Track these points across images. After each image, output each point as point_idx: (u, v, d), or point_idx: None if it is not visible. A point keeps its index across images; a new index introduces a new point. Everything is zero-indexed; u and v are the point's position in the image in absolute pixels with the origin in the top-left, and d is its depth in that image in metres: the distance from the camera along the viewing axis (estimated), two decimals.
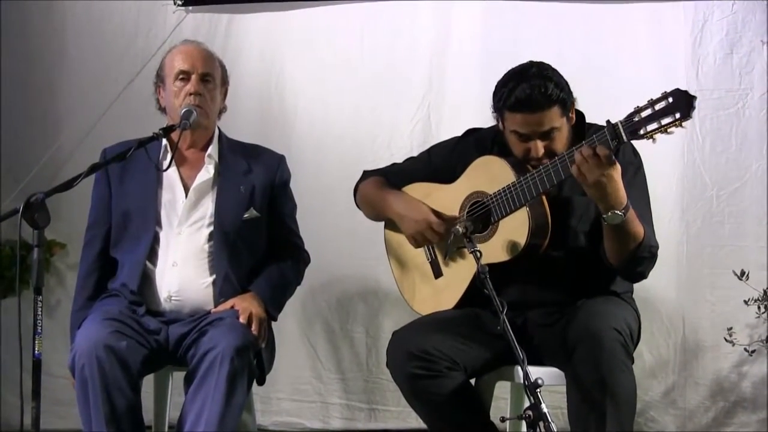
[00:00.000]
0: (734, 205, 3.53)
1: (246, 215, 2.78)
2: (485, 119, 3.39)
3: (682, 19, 3.55)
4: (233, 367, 2.48)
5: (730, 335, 3.39)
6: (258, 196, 2.83)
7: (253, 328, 2.63)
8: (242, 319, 2.62)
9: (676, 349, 3.55)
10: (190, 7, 3.81)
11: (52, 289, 3.71)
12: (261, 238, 2.86)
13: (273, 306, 2.78)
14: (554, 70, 2.56)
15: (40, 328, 2.25)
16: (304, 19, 3.79)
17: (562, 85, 2.53)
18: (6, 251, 3.77)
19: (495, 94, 2.59)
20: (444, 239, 2.63)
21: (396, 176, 2.87)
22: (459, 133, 2.89)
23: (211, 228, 2.75)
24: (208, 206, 2.77)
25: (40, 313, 2.26)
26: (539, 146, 2.52)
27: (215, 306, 2.73)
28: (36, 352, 2.25)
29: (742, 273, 3.36)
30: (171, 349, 2.67)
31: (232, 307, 2.67)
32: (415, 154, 3.17)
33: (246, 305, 2.67)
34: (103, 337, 2.52)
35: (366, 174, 2.93)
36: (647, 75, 3.54)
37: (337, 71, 3.77)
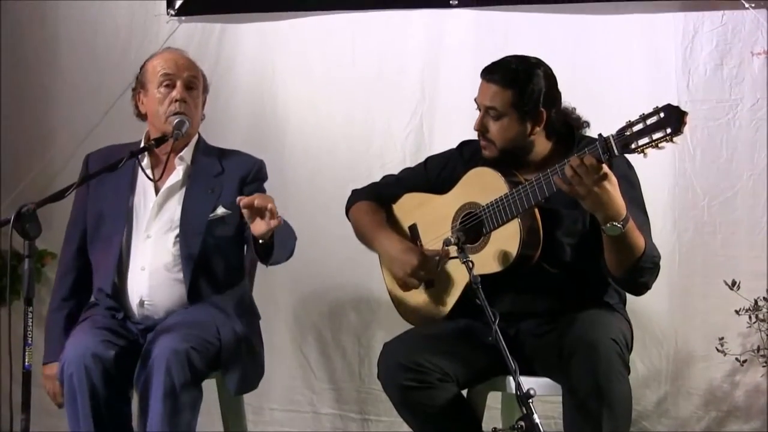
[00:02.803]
0: (726, 215, 3.53)
1: (211, 215, 2.73)
2: None
3: (673, 30, 3.56)
4: (169, 368, 2.44)
5: (722, 345, 3.39)
6: (227, 194, 2.75)
7: (271, 206, 2.46)
8: (257, 201, 2.47)
9: (668, 359, 3.55)
10: (183, 17, 3.82)
11: (42, 300, 3.65)
12: (235, 237, 2.79)
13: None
14: (548, 74, 2.60)
15: (30, 339, 2.24)
16: (296, 28, 3.79)
17: (537, 84, 2.56)
18: None
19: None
20: (429, 272, 2.63)
21: (389, 187, 2.87)
22: (452, 142, 2.90)
23: (178, 231, 2.72)
24: (176, 209, 2.74)
25: (30, 324, 2.25)
26: (481, 117, 2.60)
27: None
28: (26, 363, 2.24)
29: (734, 283, 3.37)
30: None
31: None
32: (408, 163, 3.17)
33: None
34: (91, 346, 2.52)
35: (355, 194, 2.93)
36: (638, 85, 3.55)
37: (329, 81, 3.77)
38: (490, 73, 2.62)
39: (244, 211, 2.49)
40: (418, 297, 2.75)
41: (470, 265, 2.37)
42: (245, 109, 3.78)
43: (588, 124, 2.68)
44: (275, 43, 3.81)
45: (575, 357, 2.36)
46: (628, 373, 2.44)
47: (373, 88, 3.74)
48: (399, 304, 2.82)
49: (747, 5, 3.43)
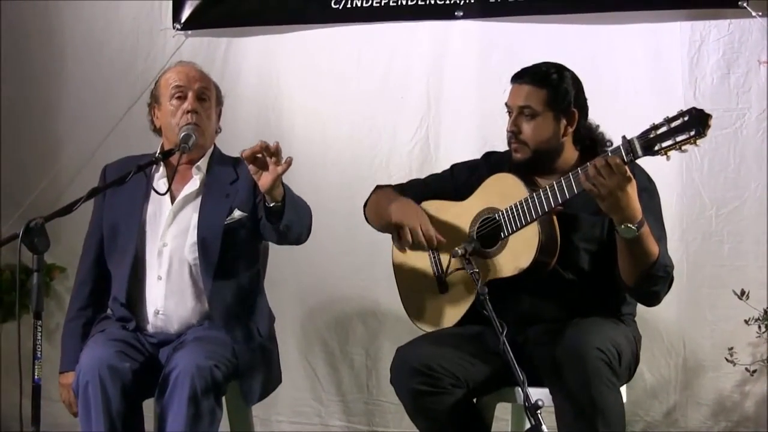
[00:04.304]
0: (733, 225, 3.52)
1: (228, 219, 2.74)
2: (483, 139, 3.47)
3: (679, 40, 3.56)
4: (194, 384, 2.46)
5: (731, 355, 3.38)
6: (242, 199, 2.77)
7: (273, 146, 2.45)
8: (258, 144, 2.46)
9: (677, 369, 3.54)
10: (189, 31, 3.85)
11: (51, 313, 3.72)
12: (253, 242, 2.82)
13: (288, 188, 2.59)
14: (576, 79, 2.67)
15: (39, 352, 2.25)
16: (302, 42, 3.81)
17: (568, 84, 2.63)
18: (6, 276, 3.79)
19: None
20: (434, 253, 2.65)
21: (414, 189, 2.89)
22: (457, 153, 2.93)
23: (195, 238, 2.74)
24: (191, 217, 2.76)
25: (39, 337, 2.26)
26: (514, 120, 2.62)
27: (199, 323, 2.71)
28: (36, 377, 2.25)
29: (743, 292, 3.36)
30: None
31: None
32: (414, 175, 3.18)
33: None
34: (106, 358, 2.54)
35: (378, 188, 2.95)
36: (644, 95, 3.55)
37: (334, 93, 3.79)
38: (521, 76, 2.65)
39: (250, 167, 2.49)
40: (431, 302, 2.76)
41: (476, 276, 2.39)
42: (251, 122, 3.79)
43: (611, 143, 2.68)
44: (281, 56, 3.83)
45: (563, 368, 2.37)
46: (621, 383, 2.45)
47: (379, 100, 3.75)
48: (411, 309, 2.82)
49: (754, 14, 3.44)
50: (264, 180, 2.48)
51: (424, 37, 3.73)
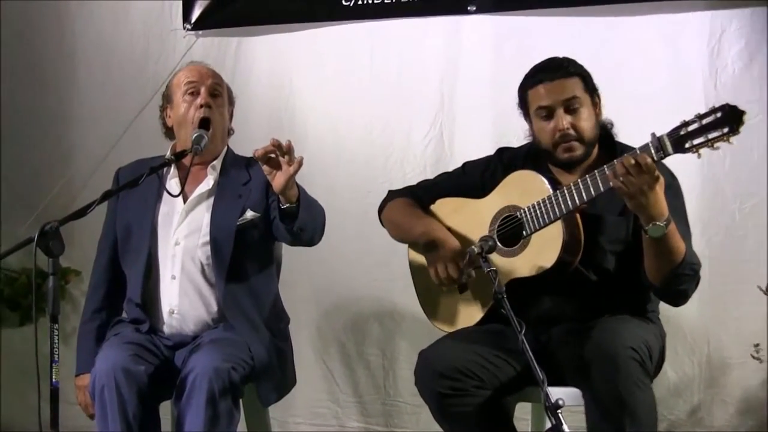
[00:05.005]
0: (756, 219, 3.50)
1: (240, 220, 2.78)
2: (498, 135, 3.47)
3: (698, 30, 3.55)
4: (212, 387, 2.49)
5: (757, 352, 3.36)
6: (255, 200, 2.80)
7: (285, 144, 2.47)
8: (270, 142, 2.48)
9: (701, 366, 3.53)
10: (200, 31, 3.88)
11: (67, 317, 3.74)
12: (266, 243, 2.85)
13: (302, 189, 2.62)
14: (578, 63, 2.66)
15: (57, 356, 2.29)
16: (313, 40, 3.83)
17: (584, 68, 2.63)
18: (22, 279, 3.85)
19: (518, 87, 2.70)
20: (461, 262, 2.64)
21: (425, 190, 2.90)
22: (472, 150, 2.92)
23: (208, 238, 2.78)
24: (204, 215, 2.80)
25: (56, 341, 2.30)
26: (564, 116, 2.58)
27: (215, 326, 2.75)
28: (53, 380, 2.28)
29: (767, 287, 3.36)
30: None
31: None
32: (428, 173, 3.18)
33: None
34: (121, 361, 2.58)
35: (391, 194, 2.95)
36: (663, 88, 3.54)
37: (347, 92, 3.81)
38: (547, 71, 2.63)
39: (264, 168, 2.53)
40: (450, 302, 2.77)
41: (494, 274, 2.38)
42: (263, 122, 3.81)
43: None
44: (292, 55, 3.85)
45: (594, 366, 2.37)
46: (651, 381, 2.45)
47: (392, 98, 3.76)
48: (429, 309, 2.83)
49: None
50: (278, 180, 2.51)
51: (437, 33, 3.74)
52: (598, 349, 2.40)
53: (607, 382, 2.35)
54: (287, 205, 2.57)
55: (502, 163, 2.81)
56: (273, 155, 2.50)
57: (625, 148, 2.61)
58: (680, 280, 2.48)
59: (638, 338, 2.46)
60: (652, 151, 2.33)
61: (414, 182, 3.03)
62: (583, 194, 2.47)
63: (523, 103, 2.71)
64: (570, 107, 2.60)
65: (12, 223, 3.90)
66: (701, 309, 3.50)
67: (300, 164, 2.49)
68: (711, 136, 2.25)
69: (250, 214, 2.79)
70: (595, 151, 2.67)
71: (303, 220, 2.60)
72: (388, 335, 3.75)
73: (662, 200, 2.37)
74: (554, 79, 2.61)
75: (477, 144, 3.17)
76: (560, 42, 3.56)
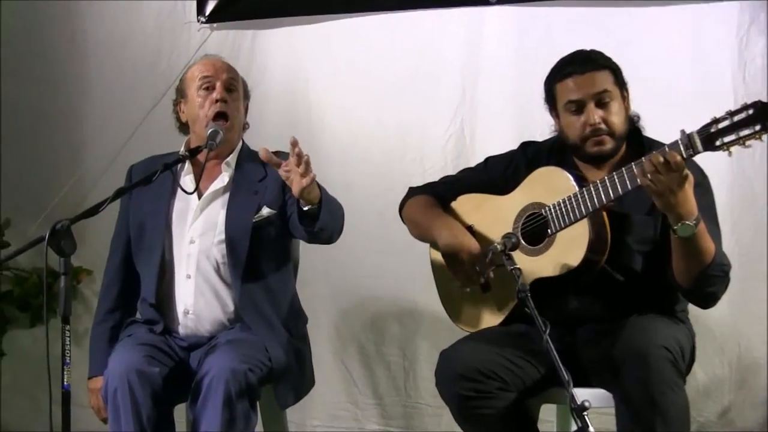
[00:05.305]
0: None
1: (256, 217, 2.76)
2: (521, 129, 3.45)
3: (727, 21, 3.51)
4: (228, 389, 2.47)
5: None
6: (271, 196, 2.79)
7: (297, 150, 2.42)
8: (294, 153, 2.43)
9: (731, 367, 3.51)
10: (215, 24, 3.87)
11: (79, 317, 3.75)
12: (282, 241, 2.83)
13: (323, 189, 2.59)
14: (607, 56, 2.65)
15: (68, 358, 2.28)
16: (329, 32, 3.82)
17: (614, 61, 2.61)
18: (33, 279, 3.85)
19: (545, 81, 2.68)
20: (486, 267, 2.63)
21: (447, 187, 2.88)
22: (494, 144, 2.90)
23: (223, 236, 2.76)
24: (219, 212, 2.79)
25: (68, 342, 2.29)
26: (595, 110, 2.56)
27: (231, 326, 2.73)
28: (65, 383, 2.27)
29: None
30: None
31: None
32: (450, 168, 3.16)
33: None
34: (135, 362, 2.57)
35: (412, 191, 2.94)
36: (691, 80, 3.53)
37: (364, 85, 3.79)
38: (576, 64, 2.61)
39: (280, 172, 2.49)
40: (473, 302, 2.75)
41: (517, 273, 2.36)
42: (278, 117, 3.80)
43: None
44: (308, 48, 3.84)
45: (625, 367, 2.35)
46: (684, 382, 2.42)
47: (411, 92, 3.75)
48: (451, 309, 2.82)
49: None
50: (295, 187, 2.47)
51: (457, 25, 3.72)
52: (629, 348, 2.38)
53: (638, 382, 2.33)
54: (308, 207, 2.54)
55: (526, 158, 2.79)
56: (283, 167, 2.46)
57: (653, 143, 2.60)
58: (710, 282, 2.46)
59: (670, 338, 2.44)
60: (682, 149, 2.30)
61: (434, 178, 3.02)
62: (610, 192, 2.45)
63: (551, 97, 2.69)
64: (601, 101, 2.59)
65: (22, 221, 3.90)
66: (731, 308, 3.46)
67: (312, 177, 2.45)
68: (743, 133, 2.22)
69: (266, 211, 2.77)
70: (623, 146, 2.65)
71: (324, 221, 2.58)
72: (409, 335, 3.73)
73: (691, 199, 2.34)
74: (584, 72, 2.60)
75: (499, 139, 3.15)
76: (584, 33, 3.54)
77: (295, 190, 2.46)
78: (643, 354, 2.34)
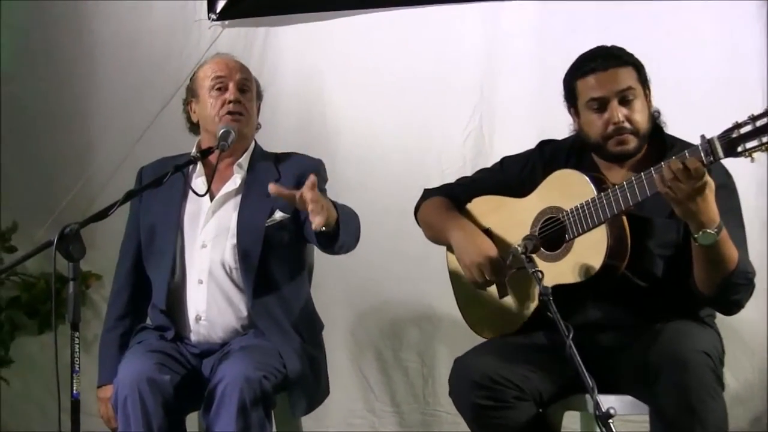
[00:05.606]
0: None
1: (269, 221, 2.74)
2: (542, 127, 3.43)
3: (756, 16, 3.50)
4: (242, 397, 2.45)
5: None
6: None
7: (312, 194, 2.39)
8: (307, 187, 2.40)
9: (762, 372, 3.49)
10: (226, 22, 3.87)
11: (88, 323, 3.75)
12: (296, 245, 2.81)
13: (339, 207, 2.56)
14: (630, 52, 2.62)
15: (77, 365, 2.26)
16: (343, 29, 3.82)
17: (636, 58, 2.58)
18: (41, 285, 3.84)
19: (564, 78, 2.65)
20: (501, 268, 2.61)
21: (463, 188, 2.86)
22: (514, 143, 2.88)
23: (236, 240, 2.74)
24: (231, 216, 2.77)
25: (77, 350, 2.27)
26: (618, 108, 2.53)
27: (244, 332, 2.71)
28: (74, 391, 2.25)
29: None
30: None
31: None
32: (468, 168, 3.14)
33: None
34: (146, 370, 2.55)
35: (427, 193, 2.92)
36: (716, 77, 3.51)
37: (380, 83, 3.79)
38: (597, 60, 2.58)
39: (298, 205, 2.47)
40: (490, 307, 2.72)
41: (539, 275, 2.35)
42: (292, 117, 3.81)
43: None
44: (322, 46, 3.84)
45: (663, 373, 2.31)
46: (723, 389, 2.39)
47: (428, 90, 3.74)
48: (469, 315, 2.80)
49: None
50: (317, 223, 2.42)
51: (476, 20, 3.71)
52: (667, 353, 2.34)
53: (677, 388, 2.29)
54: (324, 229, 2.50)
55: (543, 158, 2.76)
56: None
57: (675, 141, 2.58)
58: (733, 290, 2.43)
59: (708, 343, 2.42)
60: (702, 155, 2.26)
61: (453, 178, 3.00)
62: (629, 198, 2.42)
63: (571, 95, 2.66)
64: (624, 99, 2.55)
65: (29, 224, 3.89)
66: (760, 311, 3.44)
67: (325, 216, 2.41)
68: (765, 139, 2.18)
69: (279, 215, 2.75)
70: (645, 146, 2.61)
71: (342, 240, 2.57)
72: (427, 340, 3.72)
73: (713, 206, 2.31)
74: (607, 68, 2.56)
75: (519, 136, 3.12)
76: (604, 28, 3.54)
77: (315, 228, 2.44)
78: (683, 359, 2.30)
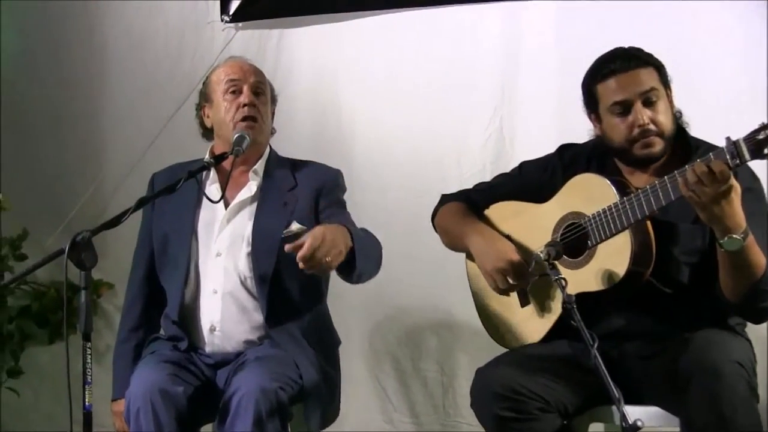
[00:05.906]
0: None
1: (285, 232, 2.69)
2: (563, 130, 3.41)
3: None
4: (258, 408, 2.44)
5: None
6: (301, 208, 2.77)
7: (305, 248, 2.44)
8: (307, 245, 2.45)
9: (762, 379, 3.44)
10: (240, 24, 3.87)
11: (100, 333, 3.77)
12: None
13: (356, 234, 2.60)
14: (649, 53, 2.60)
15: (89, 377, 2.26)
16: (359, 30, 3.81)
17: (657, 58, 2.57)
18: (51, 294, 3.84)
19: (583, 82, 2.63)
20: (525, 274, 2.59)
21: (481, 194, 2.85)
22: (536, 146, 2.86)
23: (251, 249, 2.73)
24: (246, 224, 2.76)
25: (89, 361, 2.26)
26: (643, 110, 2.51)
27: (259, 343, 2.70)
28: (86, 403, 2.25)
29: None
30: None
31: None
32: (488, 172, 3.12)
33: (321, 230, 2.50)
34: (158, 381, 2.54)
35: (444, 198, 2.91)
36: (735, 77, 3.47)
37: (397, 86, 3.77)
38: (616, 62, 2.56)
39: None
40: (511, 316, 2.71)
41: (563, 283, 2.33)
42: (306, 121, 3.80)
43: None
44: (337, 47, 3.83)
45: (693, 383, 2.29)
46: (758, 401, 2.36)
47: (446, 92, 3.72)
48: (490, 325, 2.78)
49: None
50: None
51: (495, 21, 3.70)
52: (699, 362, 2.31)
53: (710, 398, 2.26)
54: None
55: (563, 162, 2.75)
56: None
57: (700, 143, 2.56)
58: (761, 297, 2.40)
59: (741, 352, 2.39)
60: (728, 157, 2.24)
61: (472, 182, 2.99)
62: (653, 202, 2.40)
63: (591, 100, 2.64)
64: (648, 100, 2.54)
65: (39, 231, 3.89)
66: None
67: (332, 261, 2.48)
68: None
69: (295, 226, 2.71)
70: (669, 148, 2.59)
71: (361, 268, 2.58)
72: (447, 349, 3.69)
73: (739, 211, 2.29)
74: (628, 70, 2.54)
75: (541, 139, 3.10)
76: (627, 28, 3.52)
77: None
78: (716, 369, 2.28)
